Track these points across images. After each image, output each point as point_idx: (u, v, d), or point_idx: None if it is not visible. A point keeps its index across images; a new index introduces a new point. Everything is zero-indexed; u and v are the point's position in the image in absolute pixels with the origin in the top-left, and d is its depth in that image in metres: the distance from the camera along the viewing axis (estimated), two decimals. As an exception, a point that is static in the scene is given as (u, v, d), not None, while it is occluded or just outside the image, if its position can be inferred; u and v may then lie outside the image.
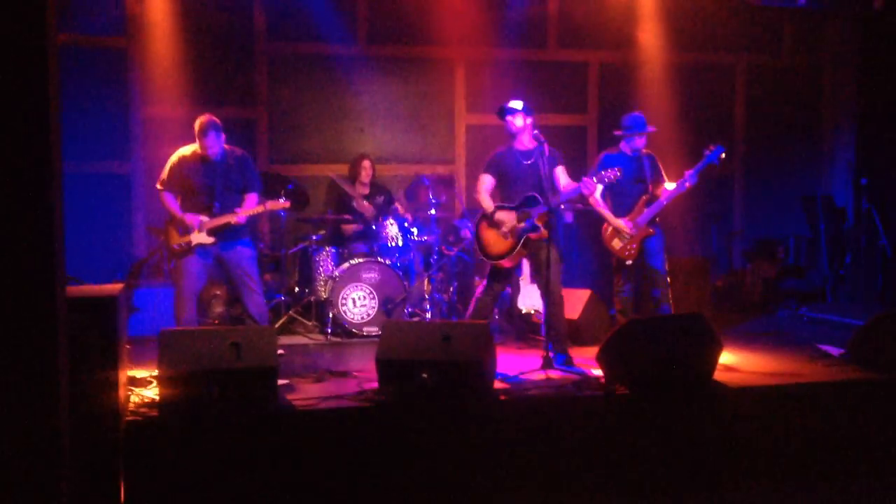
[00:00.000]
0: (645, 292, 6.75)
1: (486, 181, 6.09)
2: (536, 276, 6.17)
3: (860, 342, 5.52)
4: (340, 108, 8.65)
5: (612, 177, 5.83)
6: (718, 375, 5.12)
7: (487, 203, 6.03)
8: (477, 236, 6.12)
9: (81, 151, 7.71)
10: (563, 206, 5.96)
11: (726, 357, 5.28)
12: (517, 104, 6.02)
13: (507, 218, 5.94)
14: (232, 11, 8.24)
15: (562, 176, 6.04)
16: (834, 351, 5.97)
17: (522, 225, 5.87)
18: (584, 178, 5.79)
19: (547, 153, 5.86)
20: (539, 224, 5.81)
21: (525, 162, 6.00)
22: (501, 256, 5.95)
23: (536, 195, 5.85)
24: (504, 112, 6.05)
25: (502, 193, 6.08)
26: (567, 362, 5.75)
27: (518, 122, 6.00)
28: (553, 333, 5.84)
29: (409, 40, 8.67)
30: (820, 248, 8.82)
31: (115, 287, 4.75)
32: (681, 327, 5.16)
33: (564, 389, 4.98)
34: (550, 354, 5.60)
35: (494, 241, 5.99)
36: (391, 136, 8.77)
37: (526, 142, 6.04)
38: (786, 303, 8.43)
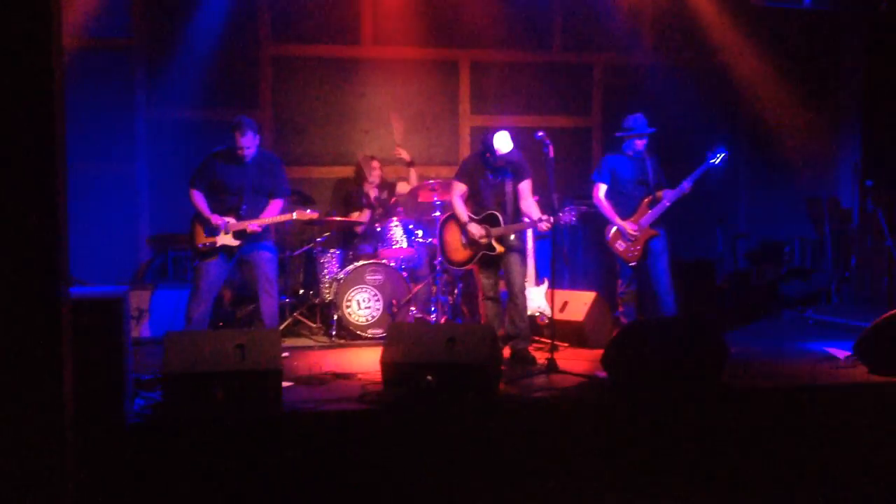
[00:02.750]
0: (649, 294, 6.74)
1: (459, 189, 6.21)
2: (502, 278, 6.32)
3: (866, 344, 5.49)
4: (345, 109, 8.65)
5: (569, 220, 5.87)
6: (723, 377, 5.11)
7: (462, 213, 6.15)
8: (440, 238, 6.44)
9: (87, 152, 7.72)
10: (513, 237, 6.13)
11: (731, 359, 5.26)
12: (504, 143, 5.96)
13: (473, 227, 6.09)
14: (237, 13, 8.24)
15: (526, 194, 6.15)
16: (840, 353, 5.96)
17: (483, 241, 6.05)
18: (542, 216, 5.88)
19: (511, 170, 6.07)
20: (495, 244, 6.04)
21: (493, 179, 6.13)
22: (459, 264, 6.31)
23: (497, 214, 6.06)
24: (488, 146, 6.01)
25: (470, 202, 6.22)
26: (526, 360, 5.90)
27: (494, 158, 6.03)
28: (516, 332, 6.04)
29: (414, 42, 8.67)
30: (825, 250, 8.79)
31: (119, 288, 4.75)
32: (685, 329, 5.15)
33: (569, 391, 4.97)
34: (548, 357, 5.61)
35: (455, 247, 6.28)
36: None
37: (496, 161, 6.09)
38: (791, 305, 8.41)
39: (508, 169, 6.10)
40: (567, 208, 5.88)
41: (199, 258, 6.09)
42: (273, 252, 6.24)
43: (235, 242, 6.04)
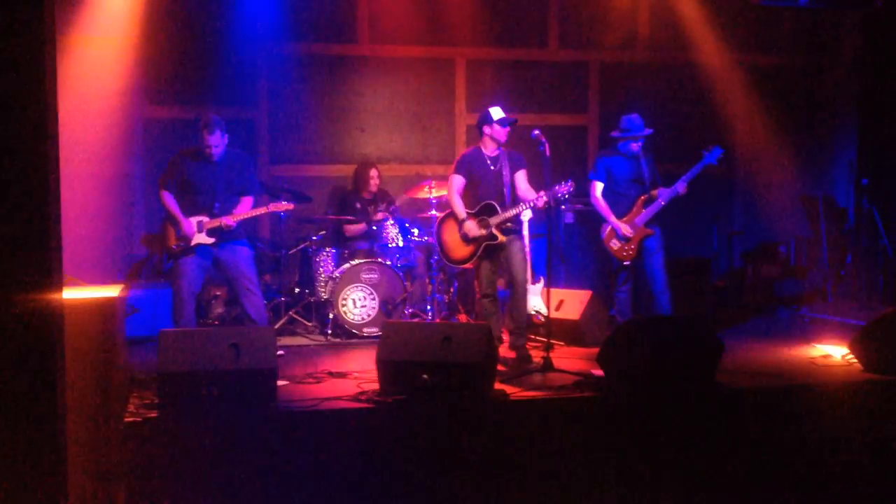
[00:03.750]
0: (645, 292, 6.75)
1: (458, 182, 6.15)
2: (502, 274, 6.31)
3: (862, 342, 5.51)
4: (341, 108, 8.64)
5: (566, 192, 5.87)
6: (719, 376, 5.11)
7: (460, 209, 6.10)
8: (438, 239, 6.32)
9: (82, 151, 7.70)
10: (510, 224, 6.08)
11: (727, 357, 5.26)
12: (499, 112, 6.04)
13: (469, 225, 6.05)
14: (234, 11, 8.22)
15: (521, 181, 6.14)
16: (835, 351, 5.97)
17: (483, 233, 6.01)
18: (539, 193, 5.87)
19: (508, 159, 6.09)
20: (497, 233, 5.99)
21: (491, 167, 6.10)
22: (461, 262, 6.21)
23: (494, 204, 6.03)
24: (486, 118, 6.06)
25: (467, 193, 6.17)
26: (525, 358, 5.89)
27: (492, 129, 6.05)
28: (515, 326, 6.02)
29: (410, 40, 8.66)
30: (821, 249, 8.81)
31: (115, 287, 4.75)
32: (681, 327, 5.16)
33: (564, 390, 4.97)
34: (544, 356, 5.61)
35: (455, 245, 6.18)
36: (392, 137, 8.77)
37: (492, 148, 6.10)
38: (786, 303, 8.43)
39: (506, 157, 6.10)
40: (561, 183, 5.87)
41: (173, 259, 6.06)
42: (249, 248, 6.21)
43: (210, 240, 6.01)
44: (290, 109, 8.52)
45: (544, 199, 5.80)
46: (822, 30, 9.53)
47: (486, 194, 6.09)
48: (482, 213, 6.08)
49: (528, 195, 6.04)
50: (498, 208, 6.02)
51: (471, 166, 6.14)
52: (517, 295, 6.07)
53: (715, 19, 9.11)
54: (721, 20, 9.13)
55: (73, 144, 7.40)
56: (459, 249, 6.17)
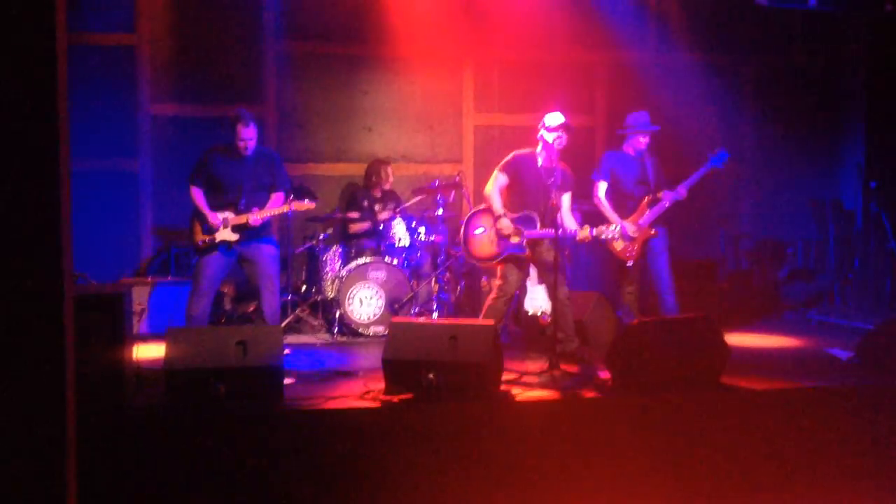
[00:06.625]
0: (651, 293, 6.74)
1: (500, 180, 5.94)
2: (542, 279, 6.15)
3: (868, 346, 5.49)
4: (348, 107, 8.65)
5: (611, 235, 5.82)
6: (725, 378, 5.11)
7: (498, 205, 5.91)
8: (465, 231, 6.07)
9: (90, 148, 7.73)
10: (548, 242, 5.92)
11: (733, 360, 5.26)
12: (552, 119, 5.85)
13: (504, 223, 5.88)
14: (242, 8, 8.24)
15: (565, 206, 5.94)
16: (842, 355, 5.95)
17: (513, 241, 5.87)
18: (585, 225, 5.81)
19: (561, 178, 5.87)
20: (526, 247, 5.86)
21: (544, 178, 5.87)
22: (482, 260, 6.05)
23: (535, 217, 5.86)
24: (542, 125, 5.89)
25: (510, 196, 5.99)
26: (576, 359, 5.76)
27: (551, 137, 5.82)
28: (565, 334, 5.84)
29: (418, 40, 8.66)
30: (828, 252, 8.79)
31: (123, 284, 4.76)
32: (688, 329, 5.16)
33: (571, 391, 4.97)
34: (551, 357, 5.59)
35: (482, 242, 6.00)
36: (399, 136, 8.77)
37: (547, 157, 5.92)
38: (793, 306, 8.41)
39: (560, 174, 5.89)
40: (609, 226, 5.81)
41: (198, 255, 6.10)
42: (275, 247, 6.24)
43: (234, 237, 6.03)
44: (297, 108, 8.53)
45: (589, 236, 5.71)
46: (831, 32, 9.51)
47: (532, 203, 5.88)
48: (520, 221, 5.90)
49: (570, 223, 5.85)
50: (538, 222, 5.84)
51: (520, 169, 5.91)
52: (564, 311, 5.84)
53: (723, 21, 9.10)
54: (729, 22, 9.12)
55: (82, 142, 7.43)
56: (484, 247, 5.96)
